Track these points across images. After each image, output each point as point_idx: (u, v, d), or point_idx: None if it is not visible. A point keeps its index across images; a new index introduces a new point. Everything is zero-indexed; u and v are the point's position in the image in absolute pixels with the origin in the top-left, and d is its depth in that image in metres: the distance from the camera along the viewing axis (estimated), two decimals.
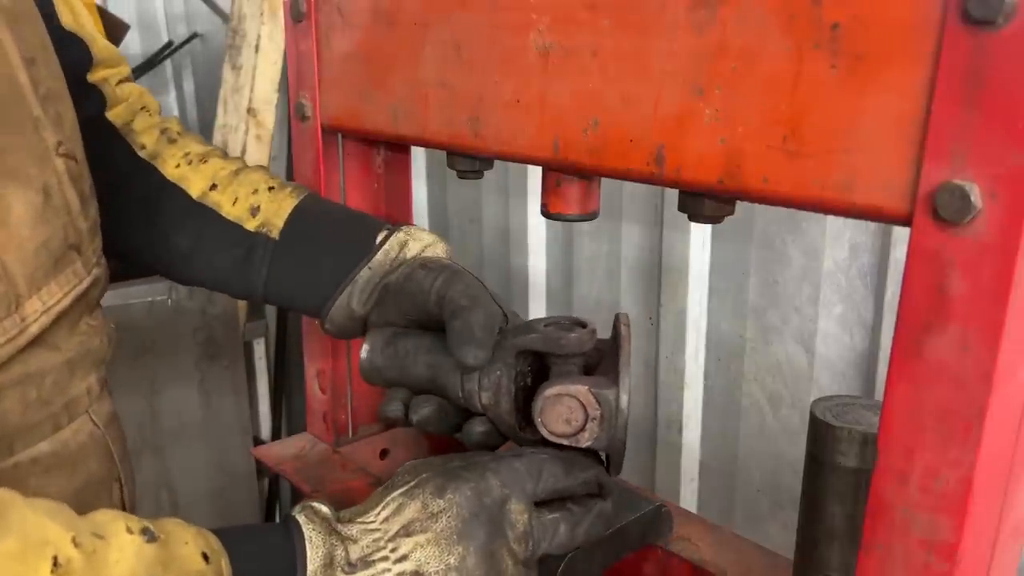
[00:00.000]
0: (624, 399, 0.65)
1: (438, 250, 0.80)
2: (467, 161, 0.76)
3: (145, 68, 2.54)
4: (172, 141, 0.86)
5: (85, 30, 0.81)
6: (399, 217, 0.97)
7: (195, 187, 0.83)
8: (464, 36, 0.69)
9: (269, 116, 2.02)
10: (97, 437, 0.72)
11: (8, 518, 0.46)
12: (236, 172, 0.84)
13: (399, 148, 0.95)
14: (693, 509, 1.48)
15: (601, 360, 0.71)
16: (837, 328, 1.27)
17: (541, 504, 0.65)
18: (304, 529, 0.58)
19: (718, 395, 1.45)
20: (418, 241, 0.79)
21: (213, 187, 0.83)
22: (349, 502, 0.85)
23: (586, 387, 0.65)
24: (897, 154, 0.46)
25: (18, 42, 0.63)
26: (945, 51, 0.43)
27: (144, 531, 0.51)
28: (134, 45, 2.59)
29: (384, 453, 1.01)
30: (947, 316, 0.45)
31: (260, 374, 2.26)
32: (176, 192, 0.83)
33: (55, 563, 0.46)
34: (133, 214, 0.83)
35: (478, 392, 0.70)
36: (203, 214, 0.82)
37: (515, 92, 0.66)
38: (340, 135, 0.90)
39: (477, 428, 0.71)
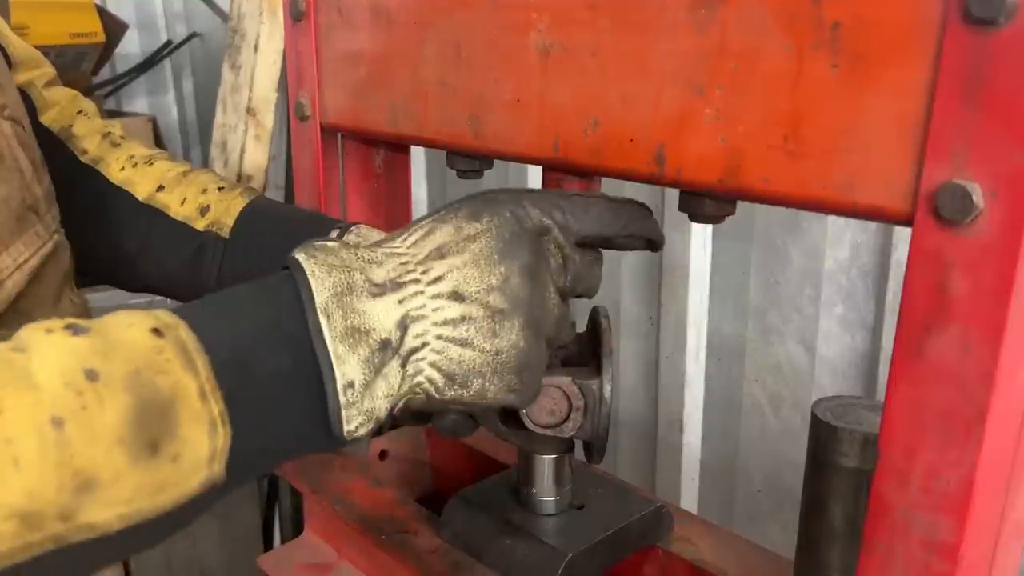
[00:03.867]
0: (607, 389, 0.65)
1: None
2: (467, 161, 0.76)
3: (144, 68, 2.54)
4: (115, 145, 0.84)
5: None
6: (399, 217, 0.97)
7: (141, 189, 0.81)
8: (464, 35, 0.69)
9: (268, 116, 2.02)
10: None
11: None
12: (184, 174, 0.83)
13: (399, 148, 0.95)
14: (693, 509, 1.47)
15: (580, 353, 0.72)
16: (838, 328, 1.27)
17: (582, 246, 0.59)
18: (304, 264, 0.49)
19: (719, 395, 1.45)
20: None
21: (160, 188, 0.81)
22: (349, 502, 0.85)
23: (569, 378, 0.66)
24: (898, 154, 0.46)
25: None
26: (946, 50, 0.42)
27: (68, 327, 0.43)
28: (133, 45, 2.59)
29: (384, 454, 1.01)
30: (948, 316, 0.44)
31: None
32: (122, 195, 0.81)
33: None
34: (79, 221, 0.80)
35: None
36: (150, 215, 0.81)
37: (515, 92, 0.65)
38: (340, 135, 0.90)
39: (449, 415, 0.70)
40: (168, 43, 2.60)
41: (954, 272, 0.44)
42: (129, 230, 0.81)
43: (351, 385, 0.47)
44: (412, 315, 0.50)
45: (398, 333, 0.49)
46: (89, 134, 0.84)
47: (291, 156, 0.95)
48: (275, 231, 0.80)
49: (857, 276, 1.24)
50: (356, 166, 0.93)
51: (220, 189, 0.81)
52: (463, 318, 0.51)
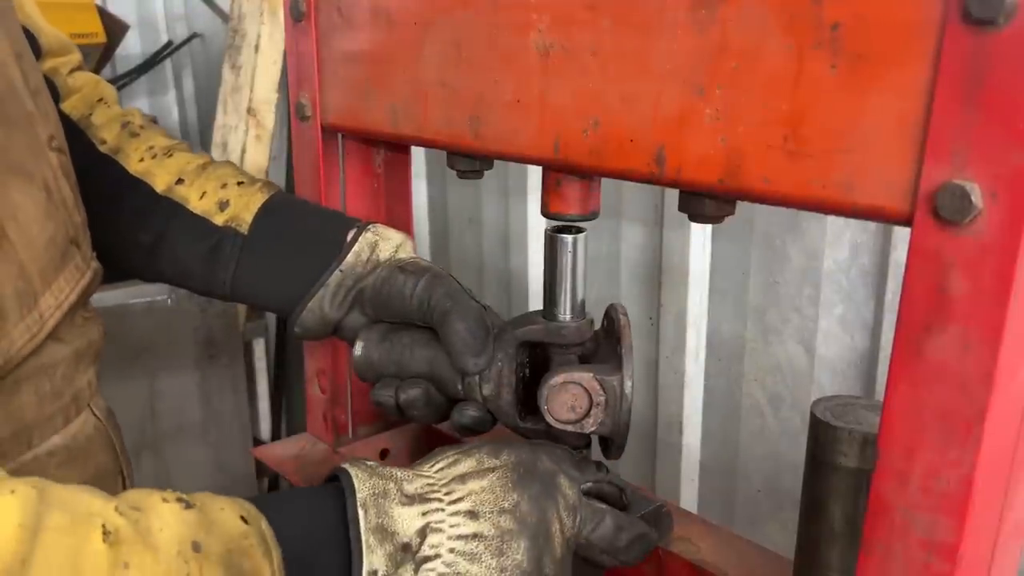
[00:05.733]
0: (628, 384, 0.66)
1: (408, 249, 0.79)
2: (467, 161, 0.76)
3: (145, 68, 2.54)
4: (134, 135, 0.83)
5: (32, 20, 0.78)
6: (400, 217, 0.97)
7: (160, 181, 0.81)
8: (464, 36, 0.69)
9: (269, 116, 2.02)
10: (100, 430, 0.73)
11: (48, 497, 0.45)
12: (203, 166, 0.82)
13: (399, 148, 0.95)
14: (693, 509, 1.47)
15: (597, 350, 0.72)
16: (838, 328, 1.27)
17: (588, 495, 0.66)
18: (350, 470, 0.58)
19: (718, 396, 1.45)
20: (388, 241, 0.78)
21: (180, 181, 0.80)
22: None
23: (591, 374, 0.66)
24: (898, 154, 0.46)
25: (7, 37, 0.62)
26: (946, 51, 0.43)
27: (179, 499, 0.51)
28: (134, 45, 2.59)
29: (384, 453, 1.01)
30: (948, 316, 0.45)
31: (260, 374, 2.26)
32: (140, 186, 0.81)
33: (105, 531, 0.45)
34: (95, 211, 0.79)
35: (479, 384, 0.70)
36: (169, 208, 0.80)
37: (515, 92, 0.65)
38: (340, 135, 0.90)
39: (469, 412, 0.71)
40: (169, 44, 2.60)
41: (953, 272, 0.44)
42: (146, 222, 0.81)
43: (375, 573, 0.55)
44: (432, 527, 0.57)
45: (418, 540, 0.57)
46: (108, 123, 0.84)
47: (292, 156, 0.95)
48: (293, 229, 0.80)
49: (857, 276, 1.24)
50: (356, 166, 0.93)
51: (240, 184, 0.81)
52: (475, 535, 0.58)
